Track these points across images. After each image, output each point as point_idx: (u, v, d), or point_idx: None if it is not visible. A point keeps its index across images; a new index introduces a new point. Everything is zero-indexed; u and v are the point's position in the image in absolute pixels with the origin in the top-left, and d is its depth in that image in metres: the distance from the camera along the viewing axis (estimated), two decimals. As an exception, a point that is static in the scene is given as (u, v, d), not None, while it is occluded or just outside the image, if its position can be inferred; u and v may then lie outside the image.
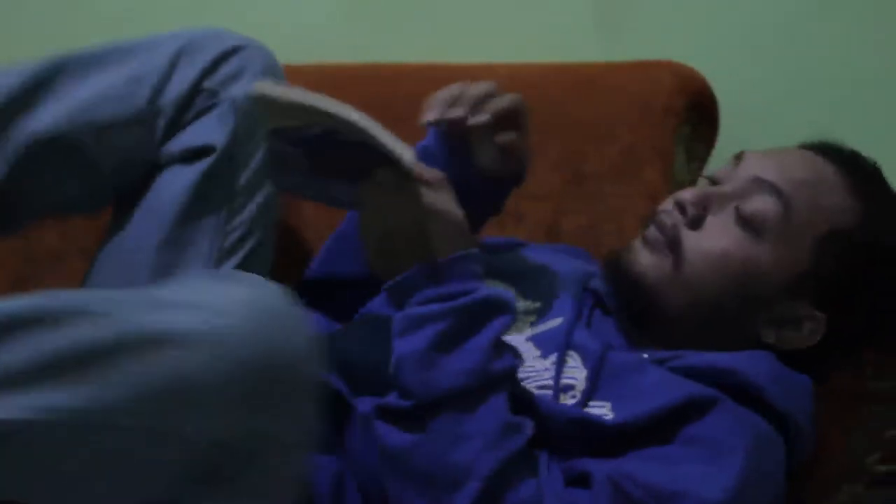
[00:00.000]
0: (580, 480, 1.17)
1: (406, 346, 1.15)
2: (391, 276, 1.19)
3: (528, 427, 1.17)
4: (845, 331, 1.32)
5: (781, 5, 2.01)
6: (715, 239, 1.31)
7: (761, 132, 1.95)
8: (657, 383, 1.24)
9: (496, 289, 1.23)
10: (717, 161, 1.86)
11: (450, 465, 1.13)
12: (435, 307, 1.16)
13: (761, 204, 1.30)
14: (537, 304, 1.40)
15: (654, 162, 1.81)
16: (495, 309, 1.18)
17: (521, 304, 1.41)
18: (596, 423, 1.21)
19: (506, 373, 1.18)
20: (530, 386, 1.25)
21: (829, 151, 1.37)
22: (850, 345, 1.35)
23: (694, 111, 1.83)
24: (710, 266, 1.30)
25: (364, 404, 1.23)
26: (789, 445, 1.26)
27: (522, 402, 1.20)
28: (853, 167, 1.35)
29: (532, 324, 1.36)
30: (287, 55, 1.88)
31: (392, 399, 1.16)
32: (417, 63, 1.87)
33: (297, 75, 1.83)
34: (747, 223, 1.30)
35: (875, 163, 1.38)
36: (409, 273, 1.18)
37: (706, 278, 1.30)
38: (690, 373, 1.26)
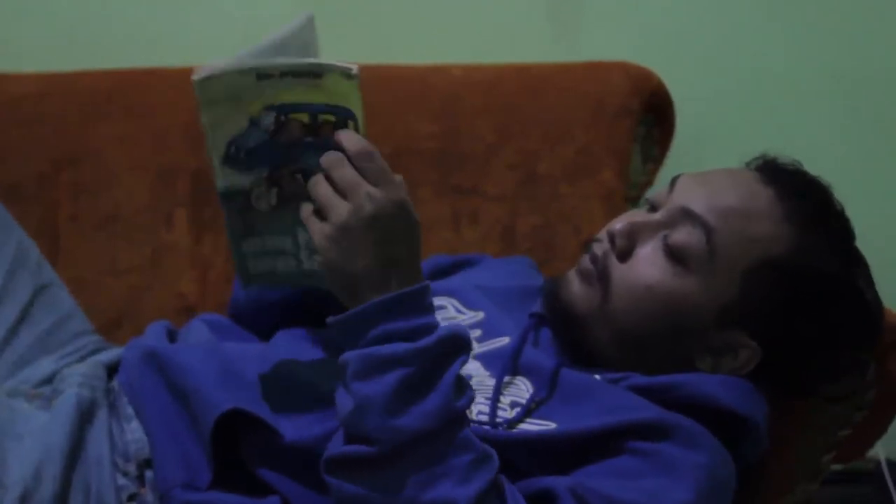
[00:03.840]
0: (541, 499, 1.16)
1: (370, 389, 1.10)
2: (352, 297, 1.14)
3: (496, 456, 1.15)
4: (782, 359, 1.30)
5: (734, 6, 2.01)
6: (641, 272, 1.29)
7: (717, 133, 1.96)
8: (616, 403, 1.23)
9: (453, 324, 1.18)
10: (673, 162, 1.86)
11: None
12: (399, 349, 1.10)
13: (686, 236, 1.28)
14: (480, 315, 1.39)
15: (610, 163, 1.81)
16: (457, 349, 1.14)
17: (467, 315, 1.40)
18: (535, 439, 1.20)
19: (466, 408, 1.15)
20: (480, 399, 1.24)
21: (770, 171, 1.33)
22: (795, 374, 1.32)
23: (649, 112, 1.83)
24: (636, 300, 1.28)
25: (287, 429, 1.22)
26: (747, 446, 1.26)
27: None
28: (792, 190, 1.31)
29: (478, 339, 1.35)
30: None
31: (347, 448, 1.12)
32: (370, 64, 1.84)
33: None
34: (673, 255, 1.28)
35: (819, 181, 1.34)
36: (361, 308, 1.12)
37: (632, 311, 1.29)
38: (641, 391, 1.25)
